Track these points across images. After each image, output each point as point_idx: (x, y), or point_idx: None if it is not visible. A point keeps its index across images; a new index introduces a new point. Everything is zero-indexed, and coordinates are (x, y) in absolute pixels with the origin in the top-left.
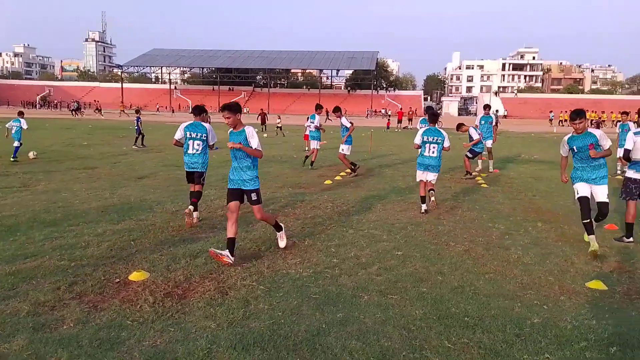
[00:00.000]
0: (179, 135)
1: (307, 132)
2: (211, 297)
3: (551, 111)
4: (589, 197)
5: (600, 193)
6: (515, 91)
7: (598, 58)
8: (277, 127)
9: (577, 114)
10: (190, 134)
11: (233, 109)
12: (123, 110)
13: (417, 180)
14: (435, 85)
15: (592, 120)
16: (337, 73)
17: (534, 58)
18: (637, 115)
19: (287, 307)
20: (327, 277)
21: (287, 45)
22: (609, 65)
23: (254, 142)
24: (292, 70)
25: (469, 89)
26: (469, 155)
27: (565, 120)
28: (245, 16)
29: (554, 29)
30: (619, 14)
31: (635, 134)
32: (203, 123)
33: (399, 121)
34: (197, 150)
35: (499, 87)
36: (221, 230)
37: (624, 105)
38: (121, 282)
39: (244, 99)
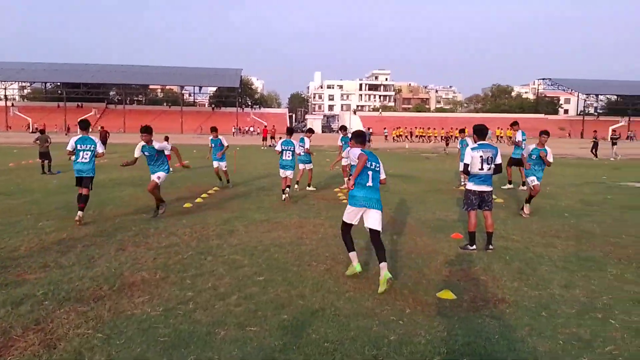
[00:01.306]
0: (70, 147)
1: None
2: (34, 353)
3: (385, 128)
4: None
5: (372, 219)
6: (380, 110)
7: (441, 79)
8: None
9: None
10: (80, 146)
11: None
12: None
13: (281, 177)
14: (300, 103)
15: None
16: (199, 90)
17: (386, 79)
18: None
19: (128, 356)
20: (179, 315)
21: (142, 60)
22: (450, 86)
23: None
24: (151, 86)
25: (330, 107)
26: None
27: (399, 136)
28: (96, 29)
29: (403, 52)
30: (456, 41)
31: (472, 149)
32: (92, 136)
33: (264, 139)
34: (86, 159)
35: (357, 106)
36: (54, 269)
37: (463, 122)
38: None
39: (95, 117)
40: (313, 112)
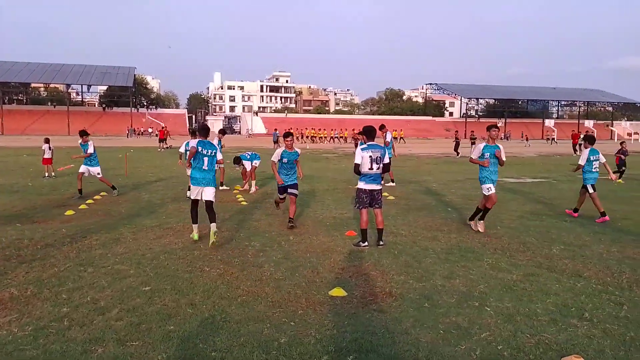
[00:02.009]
0: None
1: (47, 156)
2: None
3: (276, 129)
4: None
5: (207, 193)
6: (286, 112)
7: (339, 83)
8: None
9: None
10: None
11: None
12: None
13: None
14: (200, 104)
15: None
16: (88, 89)
17: (287, 81)
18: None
19: None
20: (51, 333)
21: (22, 56)
22: (347, 89)
23: None
24: (33, 85)
25: (232, 108)
26: None
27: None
28: None
29: (302, 55)
30: (353, 46)
31: (362, 149)
32: None
33: (161, 140)
34: None
35: (259, 107)
36: None
37: (361, 123)
38: None
39: None
40: (214, 113)
